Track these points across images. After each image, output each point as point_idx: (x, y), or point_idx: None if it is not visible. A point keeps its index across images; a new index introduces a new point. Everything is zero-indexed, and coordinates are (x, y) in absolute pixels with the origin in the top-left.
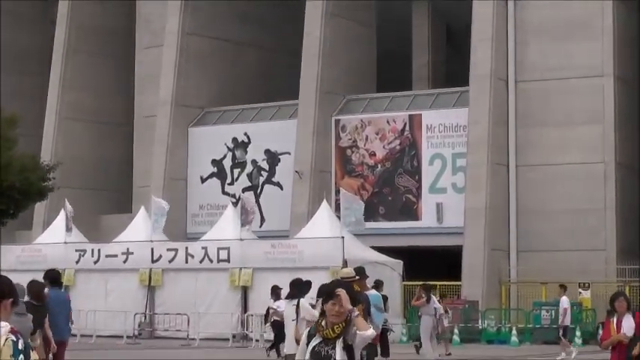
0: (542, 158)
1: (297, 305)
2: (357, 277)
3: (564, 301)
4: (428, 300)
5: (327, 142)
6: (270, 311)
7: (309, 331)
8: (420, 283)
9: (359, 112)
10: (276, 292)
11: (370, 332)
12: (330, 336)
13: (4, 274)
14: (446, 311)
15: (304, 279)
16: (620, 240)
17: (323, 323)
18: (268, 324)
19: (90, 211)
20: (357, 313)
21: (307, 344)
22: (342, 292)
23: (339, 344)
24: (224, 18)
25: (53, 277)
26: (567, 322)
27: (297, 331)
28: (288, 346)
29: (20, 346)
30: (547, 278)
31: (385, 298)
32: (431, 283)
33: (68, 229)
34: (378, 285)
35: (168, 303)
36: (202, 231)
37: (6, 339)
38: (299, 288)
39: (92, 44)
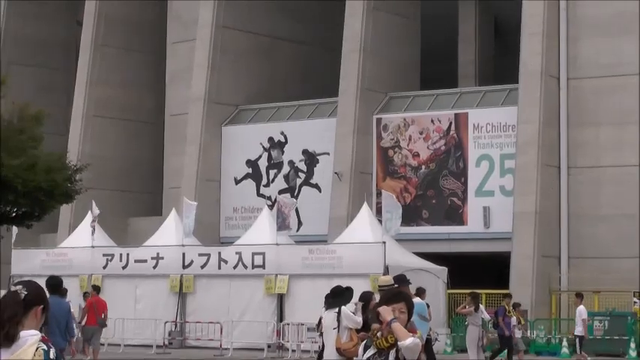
0: (594, 160)
1: (339, 313)
2: (396, 285)
3: (582, 312)
4: (476, 309)
5: (367, 142)
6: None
7: (365, 343)
8: (467, 291)
9: (402, 111)
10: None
11: (410, 341)
12: (383, 346)
13: (27, 278)
14: (519, 322)
15: (344, 286)
16: None
17: (378, 334)
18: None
19: (118, 214)
20: (393, 320)
21: (363, 355)
22: (382, 309)
23: (392, 355)
24: (260, 10)
25: (53, 284)
26: (583, 332)
27: (338, 340)
28: (328, 355)
29: (52, 355)
30: (600, 286)
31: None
32: (478, 291)
33: (92, 232)
34: (420, 293)
35: (200, 311)
36: (236, 235)
37: (37, 348)
38: (340, 295)
39: (121, 38)
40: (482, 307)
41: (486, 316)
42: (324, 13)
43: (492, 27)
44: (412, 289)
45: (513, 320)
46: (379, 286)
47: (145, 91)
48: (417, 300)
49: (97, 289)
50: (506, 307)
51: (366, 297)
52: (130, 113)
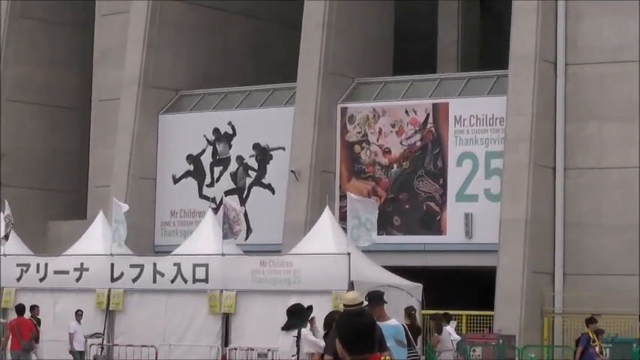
0: (596, 160)
1: (298, 337)
2: (365, 304)
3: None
4: (439, 331)
5: (330, 136)
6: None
7: None
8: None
9: (371, 99)
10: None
11: None
12: None
13: None
14: (601, 352)
15: (304, 304)
16: None
17: None
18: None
19: (35, 216)
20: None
21: None
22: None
23: None
24: None
25: None
26: None
27: None
28: None
29: None
30: (600, 308)
31: (417, 330)
32: (450, 312)
33: (4, 237)
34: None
35: (132, 332)
36: (174, 243)
37: None
38: (298, 315)
39: (41, 9)
40: (448, 327)
41: (455, 337)
42: None
43: (478, 2)
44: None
45: (457, 340)
46: (344, 305)
47: (69, 72)
48: (391, 322)
49: (20, 309)
50: (590, 335)
51: (331, 319)
52: (50, 97)
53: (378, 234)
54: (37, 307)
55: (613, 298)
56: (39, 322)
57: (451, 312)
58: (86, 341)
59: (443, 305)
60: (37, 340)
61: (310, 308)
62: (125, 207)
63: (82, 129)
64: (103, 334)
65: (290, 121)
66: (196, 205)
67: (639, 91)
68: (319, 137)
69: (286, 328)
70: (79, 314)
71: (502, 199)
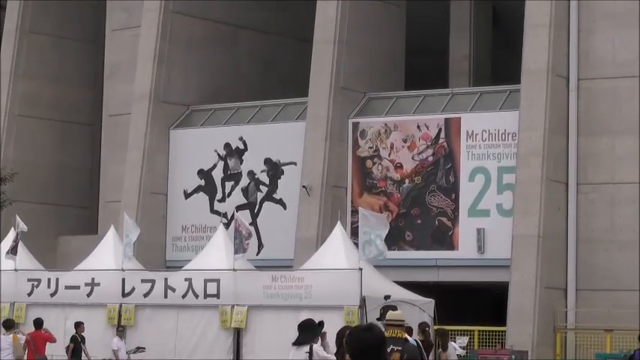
0: (609, 175)
1: (311, 353)
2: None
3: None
4: (444, 348)
5: (342, 151)
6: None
7: None
8: (458, 327)
9: (383, 114)
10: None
11: None
12: None
13: None
14: None
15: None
16: None
17: None
18: None
19: (46, 231)
20: None
21: None
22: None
23: None
24: None
25: None
26: None
27: None
28: None
29: None
30: (612, 324)
31: (429, 346)
32: (462, 328)
33: (10, 252)
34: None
35: (143, 346)
36: (186, 258)
37: None
38: (310, 330)
39: (52, 24)
40: (453, 344)
41: (460, 351)
42: None
43: (490, 16)
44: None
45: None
46: (387, 320)
47: (80, 87)
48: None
49: (37, 323)
50: None
51: (342, 335)
52: (61, 112)
53: (390, 249)
54: (82, 323)
55: (626, 314)
56: (83, 339)
57: (463, 328)
58: (129, 357)
59: (455, 321)
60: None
61: (322, 324)
62: (137, 230)
63: (92, 144)
64: (145, 349)
65: (301, 136)
66: (207, 221)
67: None
68: (331, 152)
69: (298, 343)
70: (120, 330)
71: (514, 215)
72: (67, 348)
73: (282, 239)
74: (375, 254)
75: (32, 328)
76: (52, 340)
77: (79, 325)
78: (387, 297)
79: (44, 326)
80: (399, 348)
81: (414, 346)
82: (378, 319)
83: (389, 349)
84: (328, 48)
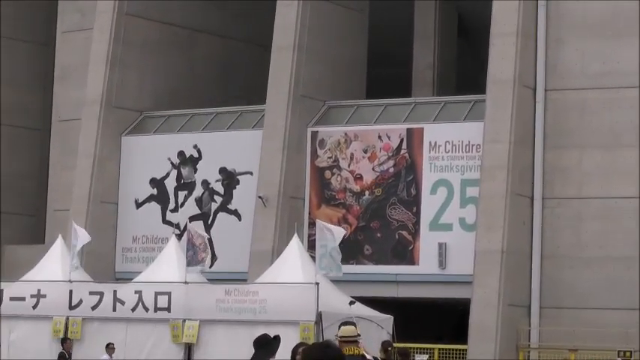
0: (576, 189)
1: None
2: (354, 338)
3: None
4: None
5: (300, 161)
6: None
7: None
8: (418, 345)
9: (343, 123)
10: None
11: None
12: None
13: None
14: None
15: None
16: None
17: None
18: None
19: None
20: None
21: None
22: None
23: None
24: None
25: None
26: None
27: None
28: None
29: None
30: (578, 343)
31: None
32: (422, 346)
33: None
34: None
35: None
36: (136, 270)
37: None
38: (267, 347)
39: (2, 25)
40: None
41: None
42: (252, 2)
43: (455, 24)
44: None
45: None
46: (340, 338)
47: (30, 91)
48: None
49: None
50: None
51: (296, 352)
52: (9, 116)
53: (349, 263)
54: (69, 339)
55: (591, 333)
56: (70, 356)
57: (423, 345)
58: None
59: (415, 338)
60: None
61: (277, 338)
62: (87, 238)
63: (41, 150)
64: None
65: (258, 145)
66: (159, 231)
67: (622, 118)
68: (288, 162)
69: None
70: (110, 347)
71: (477, 229)
72: None
73: (237, 251)
74: (333, 269)
75: None
76: None
77: (65, 341)
78: (351, 302)
79: None
80: None
81: None
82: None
83: None
84: (287, 54)
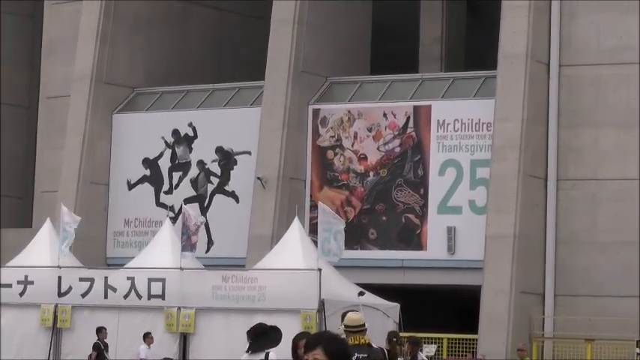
0: (591, 170)
1: None
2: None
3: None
4: (413, 358)
5: (301, 140)
6: None
7: None
8: (426, 335)
9: (346, 101)
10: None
11: None
12: None
13: None
14: None
15: (269, 324)
16: None
17: None
18: None
19: None
20: None
21: None
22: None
23: None
24: None
25: None
26: None
27: None
28: None
29: None
30: (594, 333)
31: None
32: (430, 335)
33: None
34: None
35: (80, 351)
36: (128, 255)
37: None
38: (264, 337)
39: None
40: (421, 355)
41: None
42: None
43: None
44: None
45: None
46: (346, 327)
47: (15, 66)
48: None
49: None
50: None
51: (297, 343)
52: None
53: (353, 248)
54: (104, 329)
55: (608, 322)
56: (106, 346)
57: (431, 335)
58: None
59: (422, 327)
60: None
61: (275, 328)
62: (77, 219)
63: (28, 129)
64: (49, 356)
65: (256, 123)
66: (153, 214)
67: (639, 95)
68: (288, 141)
69: (251, 350)
70: (150, 337)
71: (488, 212)
72: (90, 357)
73: (234, 236)
74: (334, 253)
75: None
76: None
77: (100, 331)
78: (361, 293)
79: None
80: (365, 355)
81: (379, 352)
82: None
83: (354, 358)
84: (287, 28)
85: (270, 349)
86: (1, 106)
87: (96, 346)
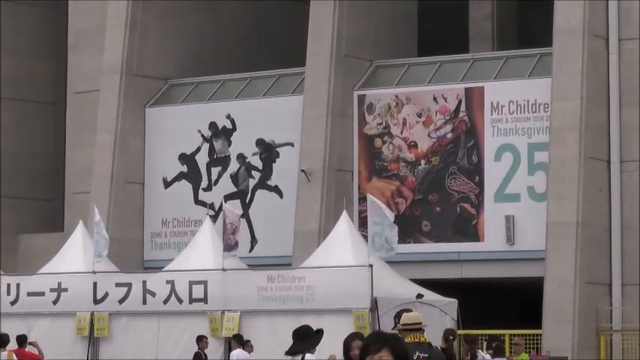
0: None
1: None
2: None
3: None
4: (473, 358)
5: (346, 129)
6: None
7: None
8: (486, 331)
9: (393, 85)
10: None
11: None
12: None
13: None
14: None
15: (314, 327)
16: None
17: None
18: None
19: (5, 230)
20: None
21: None
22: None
23: None
24: None
25: None
26: None
27: None
28: None
29: None
30: None
31: (450, 357)
32: (491, 332)
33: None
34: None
35: None
36: (167, 257)
37: None
38: (305, 340)
39: None
40: (482, 353)
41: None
42: None
43: None
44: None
45: None
46: (402, 325)
47: (40, 60)
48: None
49: (20, 339)
50: None
51: (349, 344)
52: (18, 90)
53: (405, 242)
54: (205, 337)
55: None
56: (206, 357)
57: (491, 331)
58: None
59: (483, 324)
60: None
61: (320, 332)
62: (97, 218)
63: (56, 127)
64: None
65: (299, 113)
66: (192, 213)
67: None
68: (333, 130)
69: (291, 352)
70: (249, 345)
71: (548, 199)
72: None
73: (279, 233)
74: (387, 248)
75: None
76: (39, 358)
77: (201, 340)
78: (419, 296)
79: (31, 340)
80: (426, 355)
81: (440, 352)
82: (393, 329)
83: (415, 357)
84: (328, 9)
85: (309, 353)
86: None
87: (197, 356)
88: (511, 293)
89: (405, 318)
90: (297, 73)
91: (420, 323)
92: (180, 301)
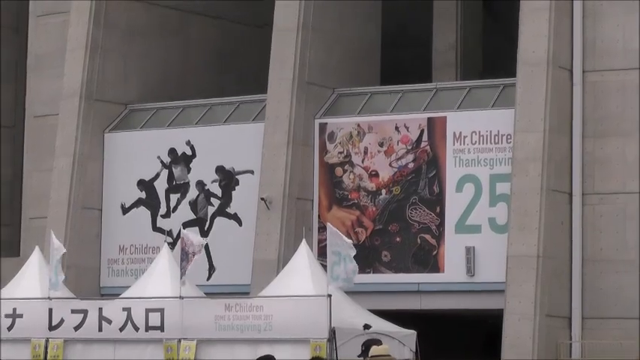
0: (620, 184)
1: None
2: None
3: None
4: None
5: (307, 157)
6: None
7: None
8: None
9: (355, 113)
10: None
11: None
12: None
13: None
14: None
15: (274, 356)
16: None
17: None
18: None
19: None
20: None
21: None
22: None
23: None
24: None
25: None
26: None
27: None
28: None
29: None
30: (625, 358)
31: None
32: None
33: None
34: None
35: None
36: (124, 284)
37: None
38: None
39: None
40: None
41: None
42: None
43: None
44: None
45: None
46: (372, 357)
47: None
48: None
49: None
50: None
51: None
52: None
53: (365, 272)
54: None
55: None
56: None
57: None
58: None
59: (441, 356)
60: None
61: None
62: (62, 250)
63: (13, 151)
64: None
65: (259, 140)
66: (149, 240)
67: None
68: (294, 158)
69: None
70: None
71: (509, 231)
72: None
73: (237, 261)
74: (344, 279)
75: None
76: None
77: None
78: (366, 326)
79: None
80: None
81: None
82: (359, 356)
83: None
84: (291, 36)
85: None
86: None
87: None
88: (471, 325)
89: (374, 350)
90: (259, 100)
91: (389, 355)
92: (136, 328)
